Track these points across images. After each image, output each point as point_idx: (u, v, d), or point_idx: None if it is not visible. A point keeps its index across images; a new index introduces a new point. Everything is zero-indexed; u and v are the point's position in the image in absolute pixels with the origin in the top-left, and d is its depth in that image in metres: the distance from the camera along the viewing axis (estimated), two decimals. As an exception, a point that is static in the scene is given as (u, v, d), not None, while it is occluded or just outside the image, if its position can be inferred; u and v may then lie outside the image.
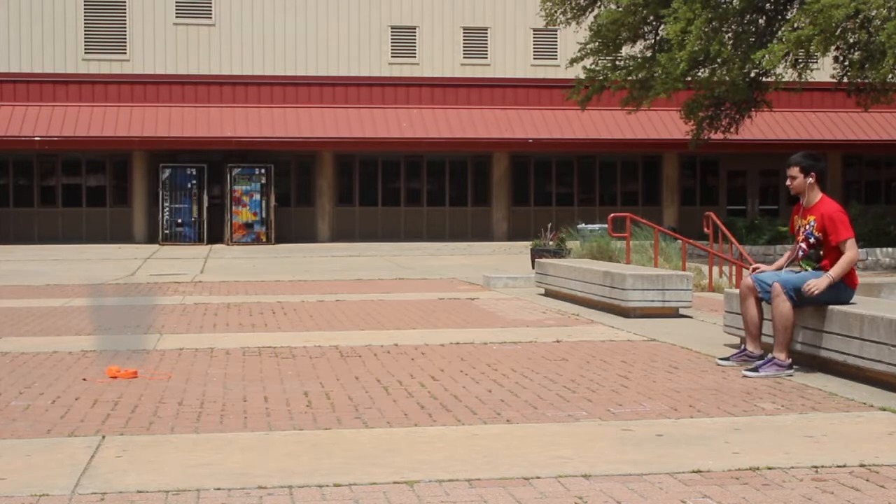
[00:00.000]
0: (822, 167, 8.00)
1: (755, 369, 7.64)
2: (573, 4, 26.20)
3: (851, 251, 7.73)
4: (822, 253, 7.86)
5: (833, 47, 22.17)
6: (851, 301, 7.78)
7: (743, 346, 8.26)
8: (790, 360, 7.69)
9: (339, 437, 5.70)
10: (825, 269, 7.78)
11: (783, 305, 7.69)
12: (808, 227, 7.93)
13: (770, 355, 7.74)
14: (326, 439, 5.64)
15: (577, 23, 26.41)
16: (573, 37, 30.23)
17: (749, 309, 8.09)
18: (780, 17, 24.50)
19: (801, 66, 23.56)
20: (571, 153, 34.71)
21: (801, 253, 8.01)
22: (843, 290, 7.74)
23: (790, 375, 7.59)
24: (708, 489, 4.62)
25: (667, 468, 4.97)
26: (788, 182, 8.07)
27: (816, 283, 7.61)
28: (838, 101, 33.02)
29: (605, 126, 33.48)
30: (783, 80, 24.20)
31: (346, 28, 33.69)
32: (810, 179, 7.92)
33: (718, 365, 8.12)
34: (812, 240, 7.90)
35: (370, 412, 6.37)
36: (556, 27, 28.58)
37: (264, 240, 31.72)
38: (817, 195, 7.96)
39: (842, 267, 7.68)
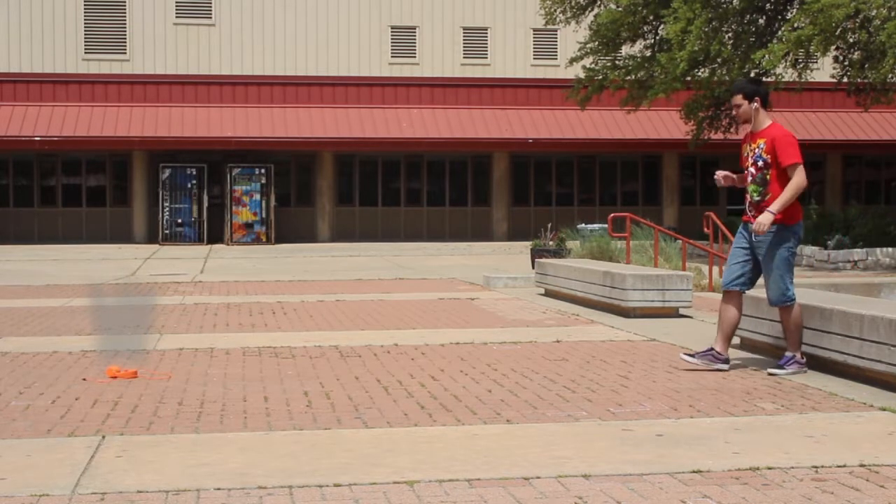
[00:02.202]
0: (764, 91, 7.90)
1: (781, 366, 7.66)
2: (573, 4, 26.21)
3: (799, 177, 7.62)
4: (768, 177, 7.72)
5: (833, 47, 22.16)
6: (796, 236, 7.75)
7: (711, 346, 7.99)
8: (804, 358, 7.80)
9: (339, 437, 5.70)
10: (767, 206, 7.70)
11: (793, 312, 7.72)
12: (757, 150, 7.80)
13: (789, 354, 7.73)
14: (326, 439, 5.63)
15: (577, 22, 26.42)
16: (573, 36, 30.23)
17: (729, 311, 7.93)
18: (780, 16, 24.51)
19: (801, 66, 23.55)
20: (571, 153, 34.71)
21: (749, 178, 7.87)
22: (784, 229, 7.70)
23: (805, 371, 7.66)
24: (708, 489, 4.62)
25: (667, 468, 4.96)
26: (734, 111, 7.93)
27: (761, 223, 7.58)
28: (838, 101, 33.03)
29: (605, 126, 33.48)
30: (783, 80, 24.20)
31: (346, 28, 33.69)
32: (755, 104, 7.81)
33: (682, 359, 7.93)
34: (760, 162, 7.79)
35: (370, 412, 6.36)
36: (556, 27, 28.60)
37: (264, 240, 31.72)
38: (766, 120, 7.85)
39: (787, 195, 7.59)
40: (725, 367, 7.83)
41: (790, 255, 7.77)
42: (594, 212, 33.88)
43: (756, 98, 7.82)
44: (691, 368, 7.86)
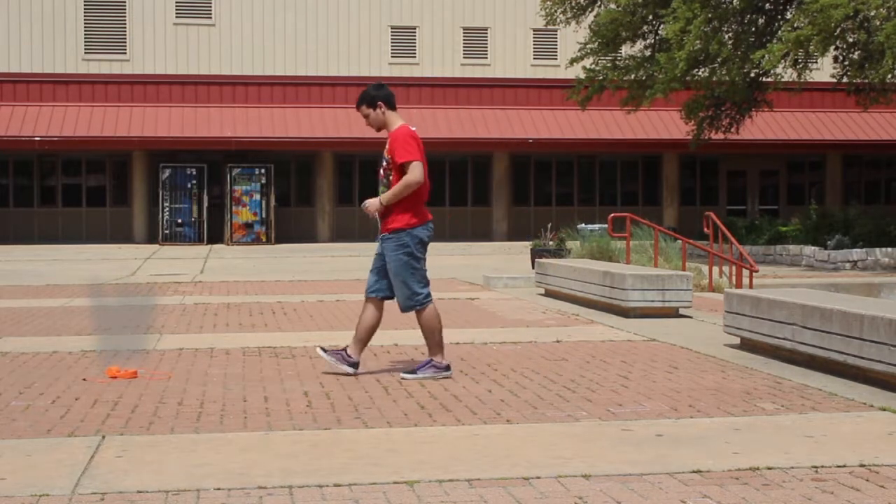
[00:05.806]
0: (385, 94, 7.74)
1: (414, 371, 7.53)
2: (573, 4, 26.21)
3: (412, 174, 7.49)
4: (391, 178, 7.64)
5: (832, 47, 22.17)
6: (416, 240, 7.54)
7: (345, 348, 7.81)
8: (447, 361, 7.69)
9: (339, 437, 5.70)
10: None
11: (426, 315, 7.58)
12: (385, 151, 7.74)
13: (426, 358, 7.65)
14: (326, 439, 5.63)
15: (577, 22, 26.43)
16: (573, 37, 30.25)
17: (365, 315, 7.73)
18: (779, 16, 24.51)
19: (801, 66, 23.56)
20: (571, 153, 34.72)
21: (379, 181, 7.79)
22: (401, 234, 7.55)
23: (448, 377, 7.53)
24: (708, 489, 4.62)
25: (667, 468, 4.96)
26: (366, 122, 7.83)
27: (367, 205, 7.63)
28: (838, 101, 33.03)
29: (605, 126, 33.48)
30: (783, 80, 24.21)
31: (346, 28, 33.69)
32: (380, 109, 7.69)
33: (317, 352, 7.80)
34: (384, 163, 7.74)
35: (370, 412, 6.37)
36: (556, 27, 28.59)
37: (264, 240, 31.72)
38: (396, 122, 7.72)
39: (398, 188, 7.49)
40: (351, 370, 7.63)
41: (411, 259, 7.55)
42: (594, 212, 33.88)
43: (379, 103, 7.70)
44: (333, 371, 7.70)
